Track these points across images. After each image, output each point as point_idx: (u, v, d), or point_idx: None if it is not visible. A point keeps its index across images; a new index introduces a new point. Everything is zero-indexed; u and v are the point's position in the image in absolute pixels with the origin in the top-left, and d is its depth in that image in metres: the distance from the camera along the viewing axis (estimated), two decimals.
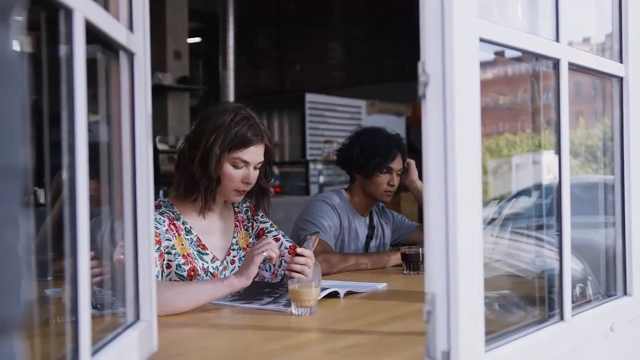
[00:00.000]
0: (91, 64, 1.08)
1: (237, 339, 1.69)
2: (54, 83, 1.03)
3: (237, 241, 2.35)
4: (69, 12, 0.98)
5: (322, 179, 7.51)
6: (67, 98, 1.00)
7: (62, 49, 1.01)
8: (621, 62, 1.81)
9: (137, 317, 1.37)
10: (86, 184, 1.02)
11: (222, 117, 2.18)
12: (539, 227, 1.99)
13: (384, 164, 2.98)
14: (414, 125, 8.25)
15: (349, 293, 2.19)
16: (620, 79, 1.81)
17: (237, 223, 2.38)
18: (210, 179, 2.17)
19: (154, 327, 1.41)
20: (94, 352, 1.10)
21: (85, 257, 1.02)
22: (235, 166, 2.19)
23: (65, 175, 1.00)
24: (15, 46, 0.53)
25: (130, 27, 1.34)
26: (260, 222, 2.42)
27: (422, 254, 2.65)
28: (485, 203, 1.30)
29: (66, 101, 1.00)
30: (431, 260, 1.18)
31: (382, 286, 2.35)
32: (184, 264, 2.16)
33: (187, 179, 2.20)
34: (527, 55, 1.61)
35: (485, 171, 1.36)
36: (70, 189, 1.00)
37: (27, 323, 0.56)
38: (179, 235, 2.18)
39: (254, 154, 2.21)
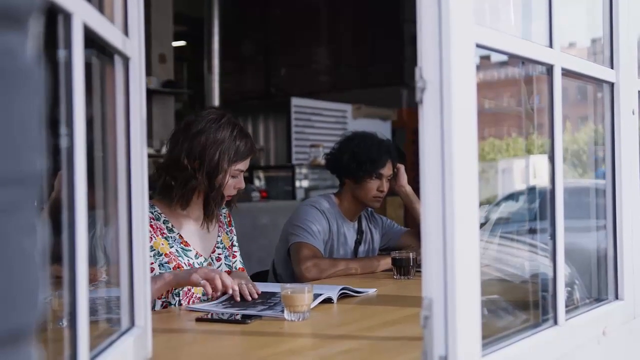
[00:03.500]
0: (86, 68, 1.08)
1: (231, 345, 1.68)
2: (52, 87, 1.02)
3: (221, 240, 2.44)
4: (67, 17, 0.98)
5: (308, 184, 7.50)
6: (65, 102, 0.99)
7: (61, 53, 1.00)
8: (612, 67, 1.82)
9: (132, 324, 1.36)
10: (84, 189, 1.01)
11: (221, 132, 2.27)
12: (528, 232, 1.99)
13: (374, 170, 2.98)
14: (400, 129, 8.28)
15: (343, 295, 2.19)
16: (611, 84, 1.83)
17: (220, 224, 2.47)
18: (218, 193, 2.27)
19: (148, 333, 1.40)
20: (90, 359, 1.08)
21: (83, 263, 1.01)
22: (234, 176, 2.31)
23: (64, 180, 0.99)
24: (32, 52, 0.52)
25: (126, 32, 1.34)
26: (233, 234, 2.53)
27: (413, 259, 2.66)
28: None
29: (65, 105, 0.99)
30: (428, 265, 1.18)
31: (372, 291, 2.35)
32: (167, 262, 2.21)
33: (191, 191, 2.27)
34: (513, 60, 1.62)
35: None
36: (69, 193, 0.99)
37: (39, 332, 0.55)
38: (158, 236, 2.24)
39: (248, 162, 2.35)
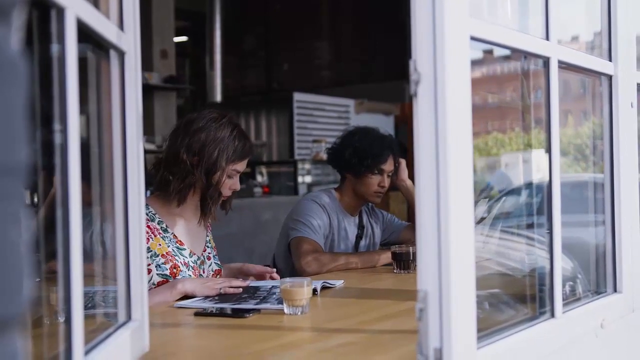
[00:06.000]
0: (80, 63, 1.08)
1: (229, 339, 1.69)
2: (44, 82, 1.03)
3: (209, 240, 2.48)
4: (60, 11, 0.98)
5: (310, 179, 7.50)
6: (59, 97, 0.99)
7: (54, 48, 1.00)
8: (610, 60, 1.82)
9: (129, 317, 1.36)
10: (78, 185, 1.01)
11: (221, 131, 2.29)
12: (529, 226, 1.99)
13: (375, 165, 2.98)
14: (403, 124, 8.27)
15: (324, 288, 2.24)
16: (610, 77, 1.82)
17: (208, 225, 2.50)
18: (216, 190, 2.29)
19: (145, 327, 1.41)
20: (87, 352, 1.09)
21: (78, 258, 1.01)
22: (229, 176, 2.33)
23: (57, 175, 1.00)
24: (16, 44, 0.53)
25: (121, 26, 1.34)
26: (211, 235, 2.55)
27: (413, 253, 2.66)
28: (475, 202, 1.30)
29: (58, 100, 0.99)
30: (423, 258, 1.18)
31: (340, 283, 2.38)
32: (164, 263, 2.24)
33: (188, 187, 2.29)
34: (516, 54, 1.62)
35: (474, 170, 1.37)
36: (63, 190, 0.99)
37: (24, 322, 0.56)
38: (155, 236, 2.26)
39: (245, 164, 2.38)
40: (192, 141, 2.27)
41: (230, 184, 2.33)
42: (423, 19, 1.17)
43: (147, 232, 2.22)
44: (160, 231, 2.28)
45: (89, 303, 1.40)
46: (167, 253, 2.25)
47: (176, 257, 2.27)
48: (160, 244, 2.26)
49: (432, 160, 1.17)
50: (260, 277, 2.43)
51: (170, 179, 2.27)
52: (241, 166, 2.35)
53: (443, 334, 1.16)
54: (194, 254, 2.35)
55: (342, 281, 2.42)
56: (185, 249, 2.32)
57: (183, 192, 2.28)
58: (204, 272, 2.37)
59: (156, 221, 2.29)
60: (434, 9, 1.16)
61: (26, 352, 0.57)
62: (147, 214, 2.27)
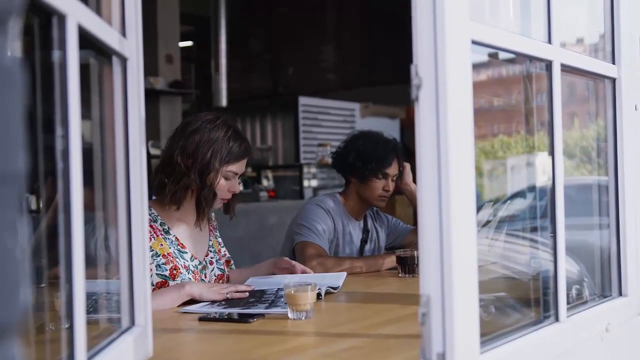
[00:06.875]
0: (83, 69, 1.08)
1: (233, 344, 1.68)
2: (46, 88, 1.03)
3: (212, 244, 2.47)
4: (62, 18, 0.98)
5: (316, 183, 7.49)
6: (60, 103, 1.00)
7: (55, 54, 1.01)
8: (614, 63, 1.81)
9: (132, 323, 1.37)
10: (80, 190, 1.02)
11: (215, 132, 2.29)
12: (534, 229, 1.99)
13: (380, 169, 2.97)
14: (408, 127, 8.26)
15: (328, 293, 2.23)
16: (613, 80, 1.82)
17: (211, 228, 2.50)
18: (210, 191, 2.28)
19: (149, 332, 1.41)
20: (89, 358, 1.09)
21: (80, 263, 1.01)
22: (226, 178, 2.32)
23: (59, 181, 1.00)
24: (13, 52, 0.53)
25: (123, 32, 1.34)
26: (219, 237, 2.55)
27: (417, 257, 2.65)
28: (480, 205, 1.30)
29: (60, 106, 1.00)
30: (426, 262, 1.18)
31: (342, 277, 2.40)
32: (164, 263, 2.25)
33: (183, 189, 2.28)
34: (521, 57, 1.62)
35: (480, 173, 1.36)
36: (65, 195, 1.00)
37: (23, 329, 0.56)
38: (158, 236, 2.27)
39: (243, 165, 2.36)
40: (186, 143, 2.27)
41: (228, 186, 2.32)
42: (424, 23, 1.17)
43: (150, 232, 2.22)
44: (162, 232, 2.29)
45: (92, 308, 1.40)
46: (168, 254, 2.26)
47: (177, 259, 2.27)
48: (162, 244, 2.27)
49: (434, 164, 1.16)
50: (290, 271, 2.46)
51: (166, 181, 2.27)
52: (237, 167, 2.33)
53: (446, 338, 1.16)
54: (196, 259, 2.35)
55: (344, 274, 2.43)
56: (186, 253, 2.33)
57: (178, 194, 2.27)
58: (205, 277, 2.37)
59: (159, 222, 2.30)
60: (434, 12, 1.16)
61: (26, 358, 0.57)
62: (150, 215, 2.27)
